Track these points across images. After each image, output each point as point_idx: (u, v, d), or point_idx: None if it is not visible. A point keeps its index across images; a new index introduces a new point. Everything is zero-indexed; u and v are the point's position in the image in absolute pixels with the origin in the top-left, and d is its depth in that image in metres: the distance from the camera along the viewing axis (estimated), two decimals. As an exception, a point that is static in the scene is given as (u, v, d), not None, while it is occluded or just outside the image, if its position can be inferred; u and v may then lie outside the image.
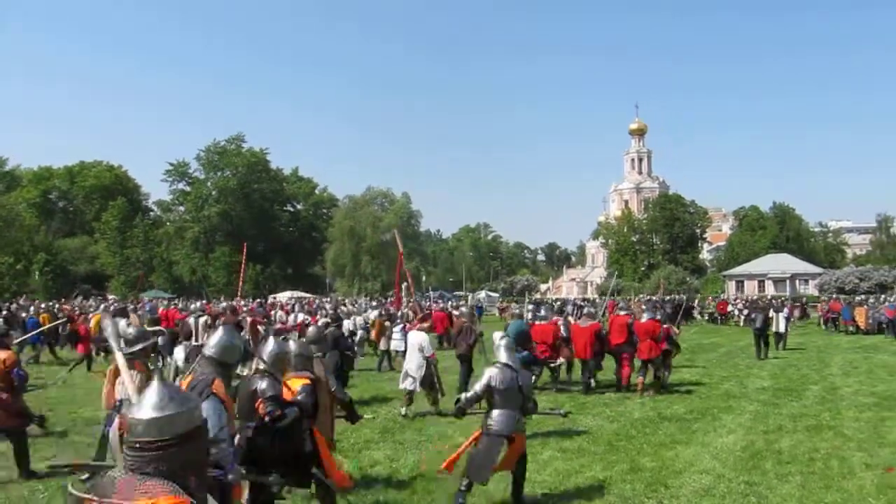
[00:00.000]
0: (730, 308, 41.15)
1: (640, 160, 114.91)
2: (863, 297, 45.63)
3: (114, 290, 70.48)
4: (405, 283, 27.70)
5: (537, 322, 14.90)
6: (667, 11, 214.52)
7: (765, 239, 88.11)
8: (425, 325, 13.34)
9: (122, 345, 5.11)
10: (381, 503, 7.13)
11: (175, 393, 2.38)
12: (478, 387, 6.99)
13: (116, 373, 6.45)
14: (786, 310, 25.47)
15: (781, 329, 22.76)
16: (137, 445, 2.23)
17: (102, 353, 18.77)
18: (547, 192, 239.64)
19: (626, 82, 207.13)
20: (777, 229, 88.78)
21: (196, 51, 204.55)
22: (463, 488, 6.63)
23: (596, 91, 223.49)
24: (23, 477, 7.83)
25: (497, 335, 7.86)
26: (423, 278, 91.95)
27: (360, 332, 20.11)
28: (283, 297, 56.46)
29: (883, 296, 46.53)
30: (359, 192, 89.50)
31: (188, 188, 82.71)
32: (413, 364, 11.88)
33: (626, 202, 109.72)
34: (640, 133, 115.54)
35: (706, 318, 41.87)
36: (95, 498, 2.17)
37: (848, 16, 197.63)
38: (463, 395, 7.32)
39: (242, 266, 26.12)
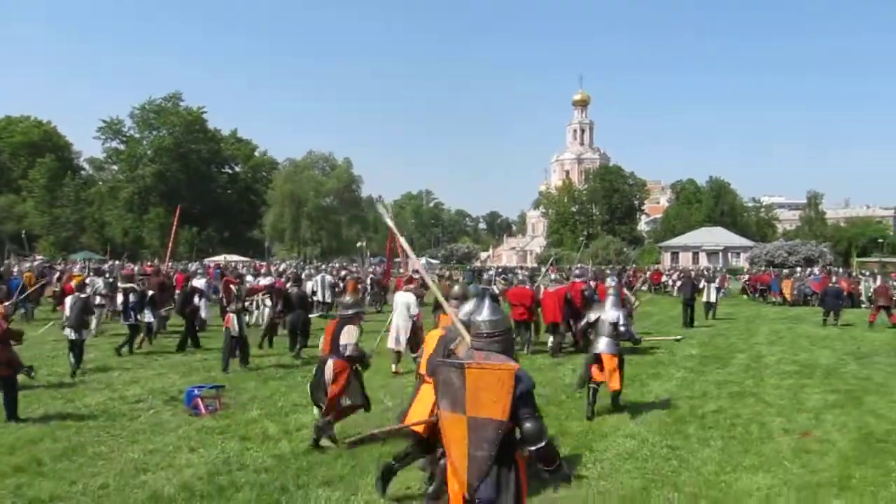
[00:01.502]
0: (664, 278, 41.93)
1: (583, 131, 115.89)
2: (790, 270, 47.08)
3: (42, 251, 68.11)
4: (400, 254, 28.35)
5: (515, 286, 16.09)
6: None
7: (700, 212, 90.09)
8: (411, 285, 13.91)
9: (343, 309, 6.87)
10: (303, 469, 6.97)
11: (498, 309, 4.25)
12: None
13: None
14: (717, 281, 26.09)
15: (713, 299, 23.29)
16: (485, 335, 4.06)
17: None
18: (490, 161, 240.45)
19: (571, 54, 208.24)
20: (712, 203, 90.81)
21: (132, 13, 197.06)
22: None
23: (541, 62, 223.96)
24: (11, 420, 8.52)
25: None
26: (363, 244, 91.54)
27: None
28: (219, 259, 55.23)
29: (809, 269, 48.06)
30: (299, 155, 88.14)
31: (122, 146, 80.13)
32: (401, 323, 12.46)
33: (568, 173, 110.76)
34: (583, 104, 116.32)
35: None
36: (465, 362, 3.90)
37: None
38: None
39: (174, 228, 25.28)
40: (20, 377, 9.02)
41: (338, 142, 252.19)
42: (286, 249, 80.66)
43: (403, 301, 12.77)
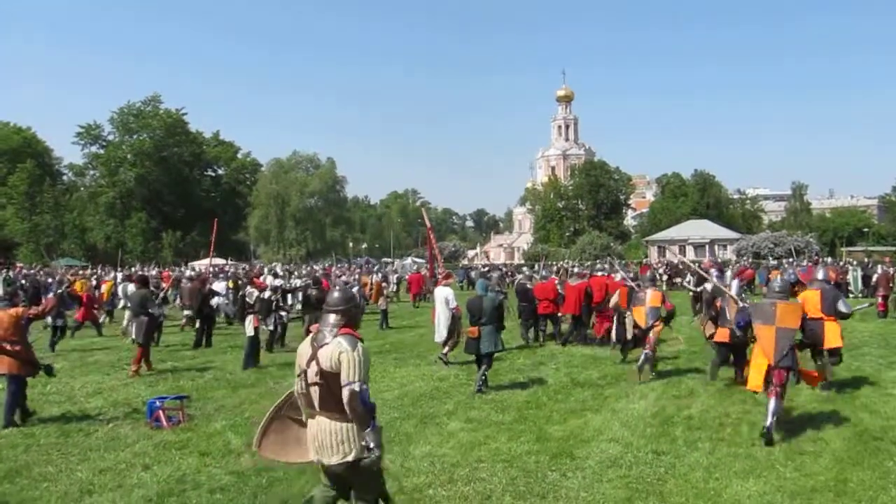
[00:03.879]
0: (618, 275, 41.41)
1: (567, 127, 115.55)
2: (777, 261, 46.87)
3: (23, 259, 67.06)
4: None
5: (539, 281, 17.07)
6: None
7: (686, 205, 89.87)
8: (450, 280, 15.02)
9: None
10: (262, 487, 6.50)
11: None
12: None
13: None
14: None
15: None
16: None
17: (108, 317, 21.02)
18: (476, 158, 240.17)
19: (555, 50, 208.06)
20: (698, 196, 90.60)
21: (111, 18, 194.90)
22: None
23: (525, 58, 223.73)
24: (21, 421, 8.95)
25: None
26: (350, 245, 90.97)
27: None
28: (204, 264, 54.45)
29: (794, 260, 47.90)
30: (284, 156, 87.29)
31: (102, 151, 79.03)
32: (442, 317, 13.38)
33: (553, 169, 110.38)
34: (567, 100, 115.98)
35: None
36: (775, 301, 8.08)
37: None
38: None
39: (212, 238, 24.82)
40: None
41: (322, 142, 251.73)
42: (272, 251, 79.94)
43: (443, 295, 13.63)
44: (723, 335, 10.60)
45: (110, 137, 79.00)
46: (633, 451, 7.36)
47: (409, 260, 68.31)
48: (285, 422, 4.92)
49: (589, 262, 44.44)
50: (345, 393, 4.29)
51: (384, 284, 22.19)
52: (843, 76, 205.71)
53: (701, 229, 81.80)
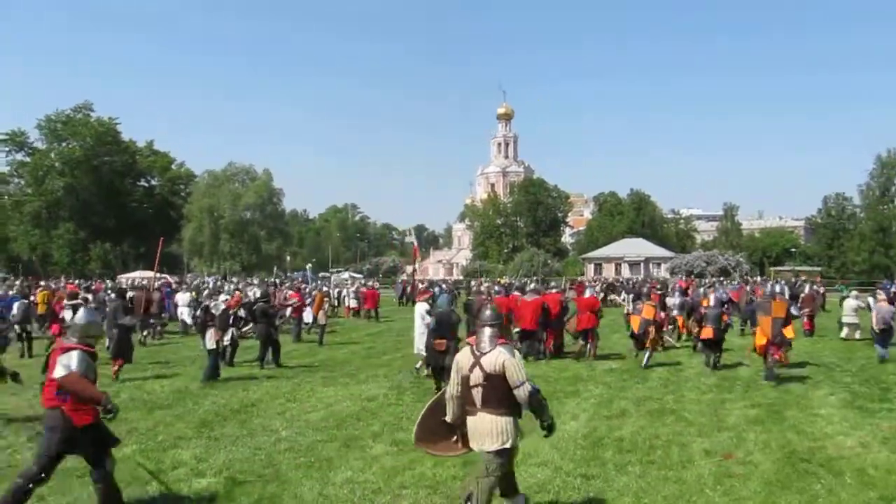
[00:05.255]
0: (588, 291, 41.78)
1: (507, 145, 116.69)
2: (709, 279, 47.83)
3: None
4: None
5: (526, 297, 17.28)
6: (532, 5, 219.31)
7: (622, 224, 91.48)
8: (426, 295, 15.34)
9: None
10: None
11: None
12: None
13: None
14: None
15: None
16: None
17: None
18: (416, 174, 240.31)
19: (496, 68, 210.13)
20: (634, 215, 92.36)
21: (42, 25, 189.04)
22: None
23: (466, 76, 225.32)
24: None
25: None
26: (288, 259, 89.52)
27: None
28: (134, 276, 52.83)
29: (726, 280, 48.94)
30: (220, 167, 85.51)
31: (28, 159, 76.10)
32: (419, 331, 13.68)
33: (493, 186, 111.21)
34: (506, 118, 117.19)
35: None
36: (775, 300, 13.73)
37: (704, 5, 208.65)
38: None
39: (158, 254, 24.07)
40: None
41: (259, 154, 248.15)
42: (206, 264, 78.09)
43: (420, 311, 13.96)
44: (707, 333, 14.63)
45: (37, 145, 76.21)
46: (561, 476, 7.13)
47: (346, 274, 67.54)
48: (437, 421, 5.82)
49: (530, 279, 44.54)
50: (520, 392, 5.29)
51: (326, 299, 21.62)
52: (772, 98, 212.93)
53: (636, 247, 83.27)
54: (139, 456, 7.96)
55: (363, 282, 50.86)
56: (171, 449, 8.31)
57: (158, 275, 35.87)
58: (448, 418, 5.67)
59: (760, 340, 13.11)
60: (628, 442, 8.54)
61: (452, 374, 5.64)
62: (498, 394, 5.29)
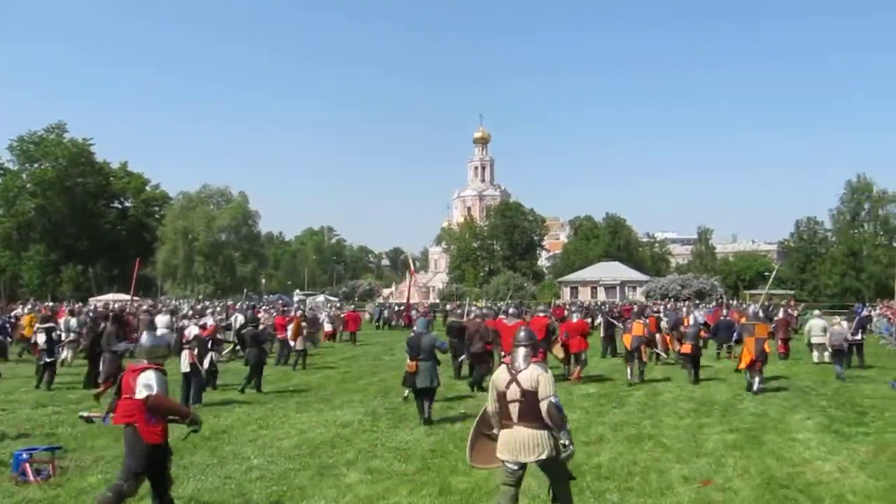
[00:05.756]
0: (566, 313, 41.84)
1: (483, 168, 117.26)
2: (687, 302, 48.10)
3: None
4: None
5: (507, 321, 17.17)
6: (506, 30, 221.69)
7: (598, 247, 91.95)
8: (427, 317, 15.75)
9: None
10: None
11: None
12: None
13: None
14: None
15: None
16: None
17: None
18: (393, 197, 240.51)
19: (474, 91, 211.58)
20: (609, 239, 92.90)
21: (14, 47, 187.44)
22: None
23: (444, 99, 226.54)
24: None
25: None
26: (263, 282, 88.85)
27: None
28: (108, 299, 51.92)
29: (701, 303, 49.24)
30: (194, 189, 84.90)
31: (-1, 180, 75.08)
32: None
33: (469, 209, 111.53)
34: (483, 142, 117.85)
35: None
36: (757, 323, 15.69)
37: (677, 33, 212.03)
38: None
39: (134, 276, 24.00)
40: None
41: (236, 176, 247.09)
42: (180, 287, 77.22)
43: None
44: (686, 348, 16.93)
45: (8, 165, 75.26)
46: (539, 504, 7.00)
47: (320, 297, 67.10)
48: (481, 436, 6.36)
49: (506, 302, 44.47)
50: (544, 405, 5.65)
51: (304, 324, 21.26)
52: (745, 124, 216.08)
53: (612, 271, 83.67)
54: (104, 486, 7.68)
55: (337, 305, 50.62)
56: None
57: (135, 297, 35.56)
58: (495, 432, 6.08)
59: (746, 359, 14.65)
60: (606, 468, 8.42)
61: (490, 391, 6.18)
62: (534, 408, 5.70)
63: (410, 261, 39.19)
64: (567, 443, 5.69)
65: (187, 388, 13.05)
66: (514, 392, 5.81)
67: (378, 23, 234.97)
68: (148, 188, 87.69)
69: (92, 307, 35.12)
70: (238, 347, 20.60)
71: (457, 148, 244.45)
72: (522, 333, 6.26)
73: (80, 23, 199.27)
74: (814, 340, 20.33)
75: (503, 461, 5.86)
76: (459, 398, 13.92)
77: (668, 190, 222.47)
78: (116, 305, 35.12)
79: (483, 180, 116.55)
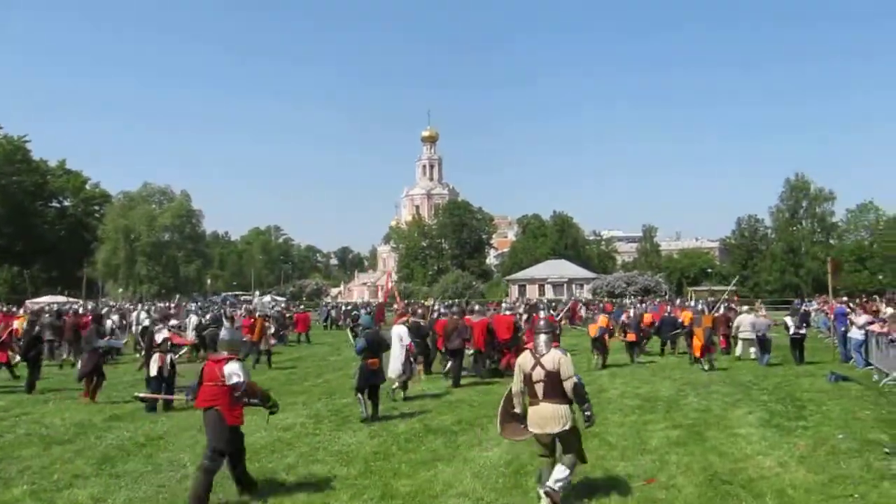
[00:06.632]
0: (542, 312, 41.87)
1: (432, 167, 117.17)
2: (630, 299, 48.69)
3: None
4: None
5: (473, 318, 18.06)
6: (455, 43, 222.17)
7: (546, 246, 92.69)
8: (404, 318, 15.61)
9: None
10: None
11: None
12: None
13: None
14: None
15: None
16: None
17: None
18: (341, 196, 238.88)
19: (422, 90, 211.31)
20: (557, 237, 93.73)
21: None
22: None
23: (392, 97, 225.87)
24: None
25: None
26: (209, 282, 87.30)
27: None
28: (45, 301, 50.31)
29: (646, 300, 49.87)
30: (135, 188, 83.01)
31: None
32: (395, 353, 13.58)
33: (418, 208, 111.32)
34: (431, 140, 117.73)
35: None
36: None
37: (620, 35, 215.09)
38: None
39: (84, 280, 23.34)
40: None
41: (178, 175, 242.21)
42: (122, 288, 75.36)
43: (397, 333, 13.98)
44: (631, 336, 20.70)
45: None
46: (482, 507, 6.88)
47: (267, 297, 66.16)
48: (507, 414, 7.20)
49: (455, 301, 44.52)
50: (569, 384, 6.74)
51: (267, 324, 20.95)
52: (686, 125, 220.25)
53: (559, 269, 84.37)
54: (29, 498, 7.34)
55: (283, 305, 49.86)
56: (66, 489, 7.71)
57: (72, 299, 34.50)
58: (518, 410, 7.06)
59: (697, 346, 18.02)
60: (551, 468, 8.34)
61: (516, 373, 7.09)
62: (557, 387, 6.72)
63: (389, 278, 40.11)
64: (591, 413, 6.99)
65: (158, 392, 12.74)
66: (538, 373, 6.78)
67: (327, 21, 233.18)
68: (87, 187, 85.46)
69: (28, 310, 33.89)
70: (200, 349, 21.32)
71: (406, 146, 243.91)
72: (542, 322, 7.37)
73: (11, 21, 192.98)
74: (741, 336, 20.76)
75: (534, 434, 6.83)
76: (406, 400, 13.73)
77: (614, 189, 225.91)
78: (54, 308, 33.97)
79: (431, 179, 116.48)
